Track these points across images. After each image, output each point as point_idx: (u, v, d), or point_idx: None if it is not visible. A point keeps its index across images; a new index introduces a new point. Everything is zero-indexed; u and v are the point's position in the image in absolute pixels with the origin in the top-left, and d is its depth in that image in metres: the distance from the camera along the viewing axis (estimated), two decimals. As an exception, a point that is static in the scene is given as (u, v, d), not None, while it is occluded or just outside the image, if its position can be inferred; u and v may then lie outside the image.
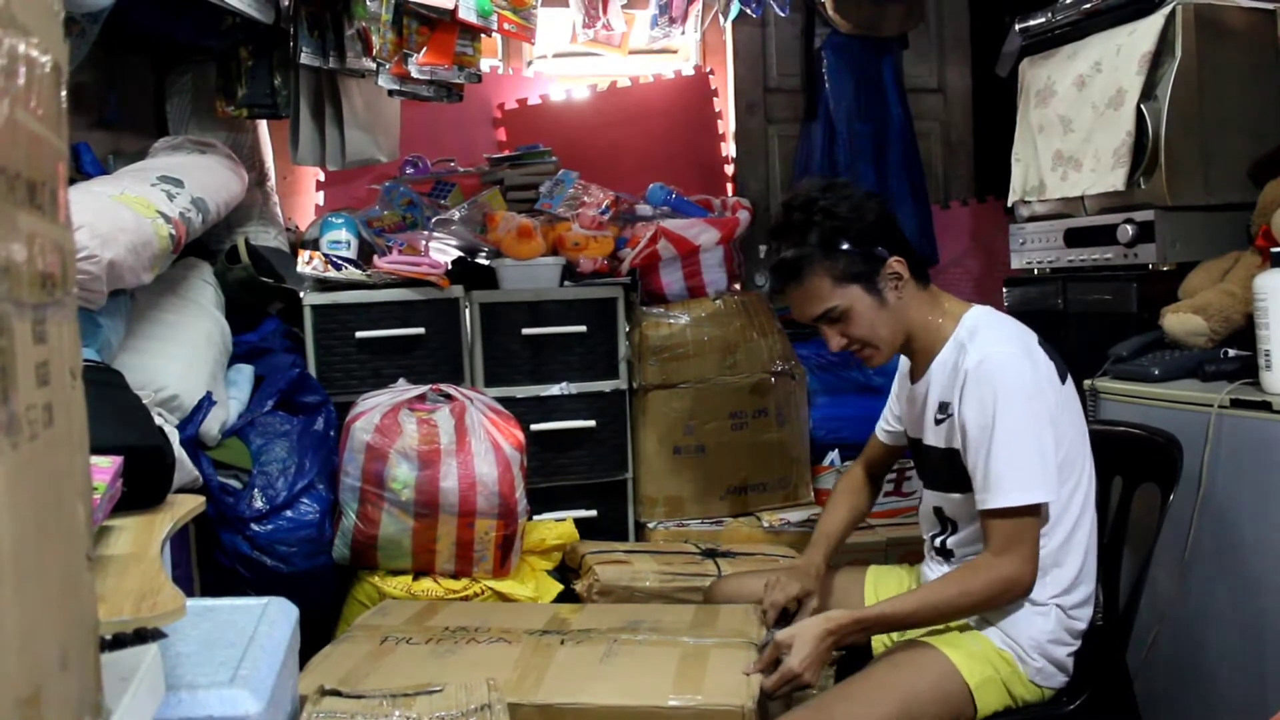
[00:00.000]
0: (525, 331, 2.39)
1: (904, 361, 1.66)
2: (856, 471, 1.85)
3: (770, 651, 1.41)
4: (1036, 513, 1.39)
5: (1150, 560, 1.60)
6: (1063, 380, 1.50)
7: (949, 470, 1.51)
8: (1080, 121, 2.31)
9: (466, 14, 2.16)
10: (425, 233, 2.56)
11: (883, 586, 1.71)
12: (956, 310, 1.54)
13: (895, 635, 1.60)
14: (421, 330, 2.32)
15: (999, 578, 1.39)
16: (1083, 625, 1.50)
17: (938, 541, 1.61)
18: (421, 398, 2.08)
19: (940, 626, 1.48)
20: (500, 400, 2.19)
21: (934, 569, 1.61)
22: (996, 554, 1.40)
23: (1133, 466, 1.70)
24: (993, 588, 1.39)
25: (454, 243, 2.56)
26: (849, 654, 1.75)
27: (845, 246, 1.48)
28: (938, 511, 1.59)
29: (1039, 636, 1.45)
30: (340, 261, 2.32)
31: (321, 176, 2.90)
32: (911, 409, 1.62)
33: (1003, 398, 1.39)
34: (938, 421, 1.51)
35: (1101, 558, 1.69)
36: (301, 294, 2.29)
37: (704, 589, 1.93)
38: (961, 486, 1.50)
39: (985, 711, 1.42)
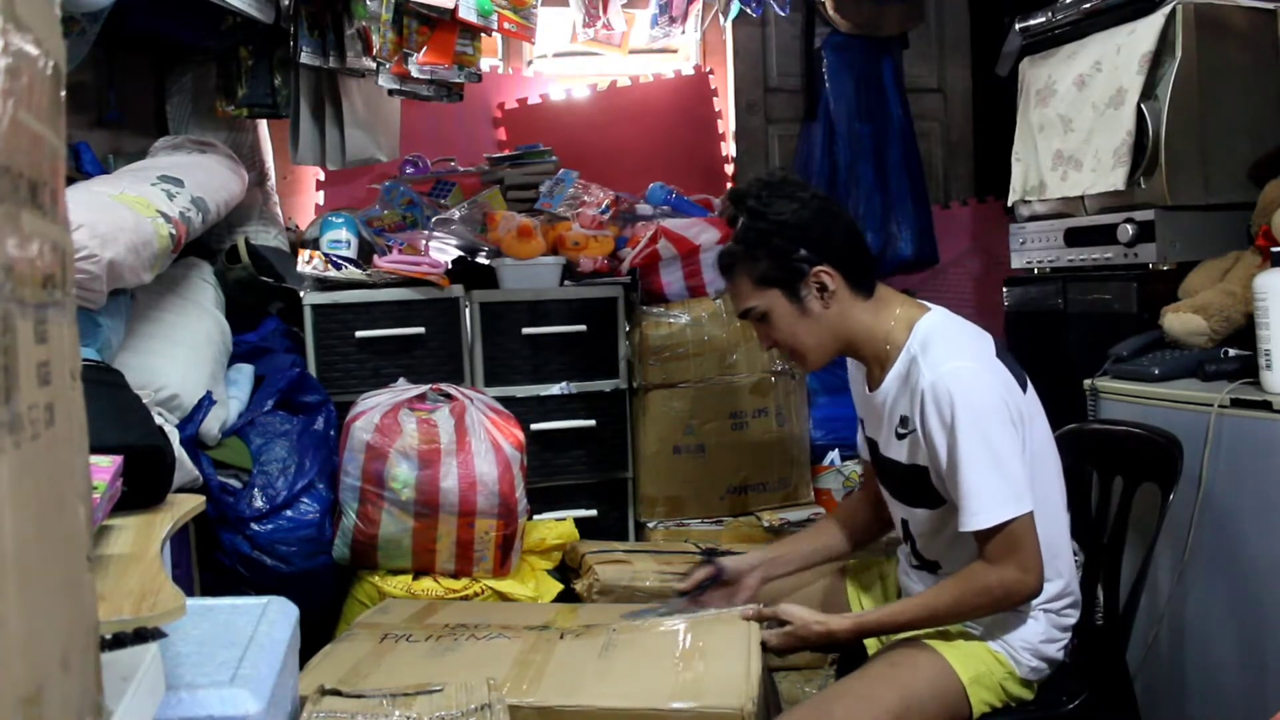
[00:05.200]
0: (525, 331, 2.39)
1: (853, 366, 1.61)
2: (850, 503, 1.80)
3: (769, 611, 1.49)
4: (1024, 521, 1.36)
5: (1150, 560, 1.60)
6: (1024, 389, 1.46)
7: (914, 486, 1.48)
8: (1080, 121, 2.31)
9: (466, 13, 2.16)
10: (425, 232, 2.56)
11: (863, 578, 1.72)
12: (909, 315, 1.48)
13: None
14: (421, 330, 2.32)
15: (997, 584, 1.37)
16: (1072, 619, 1.51)
17: (909, 551, 1.59)
18: (421, 397, 2.08)
19: (936, 630, 1.49)
20: (500, 400, 2.19)
21: (914, 577, 1.59)
22: (992, 563, 1.38)
23: (1133, 466, 1.70)
24: (991, 594, 1.38)
25: (454, 242, 2.56)
26: (846, 654, 1.76)
27: (767, 250, 1.46)
28: (903, 524, 1.57)
29: (1031, 639, 1.46)
30: (340, 261, 2.32)
31: (321, 176, 2.90)
32: (871, 416, 1.57)
33: (963, 418, 1.35)
34: (899, 436, 1.48)
35: (1101, 557, 1.70)
36: (301, 294, 2.29)
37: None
38: (927, 503, 1.48)
39: (979, 708, 1.43)
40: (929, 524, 1.50)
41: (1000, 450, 1.36)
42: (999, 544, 1.36)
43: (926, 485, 1.45)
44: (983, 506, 1.34)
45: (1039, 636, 1.45)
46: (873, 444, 1.58)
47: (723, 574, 1.65)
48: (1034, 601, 1.44)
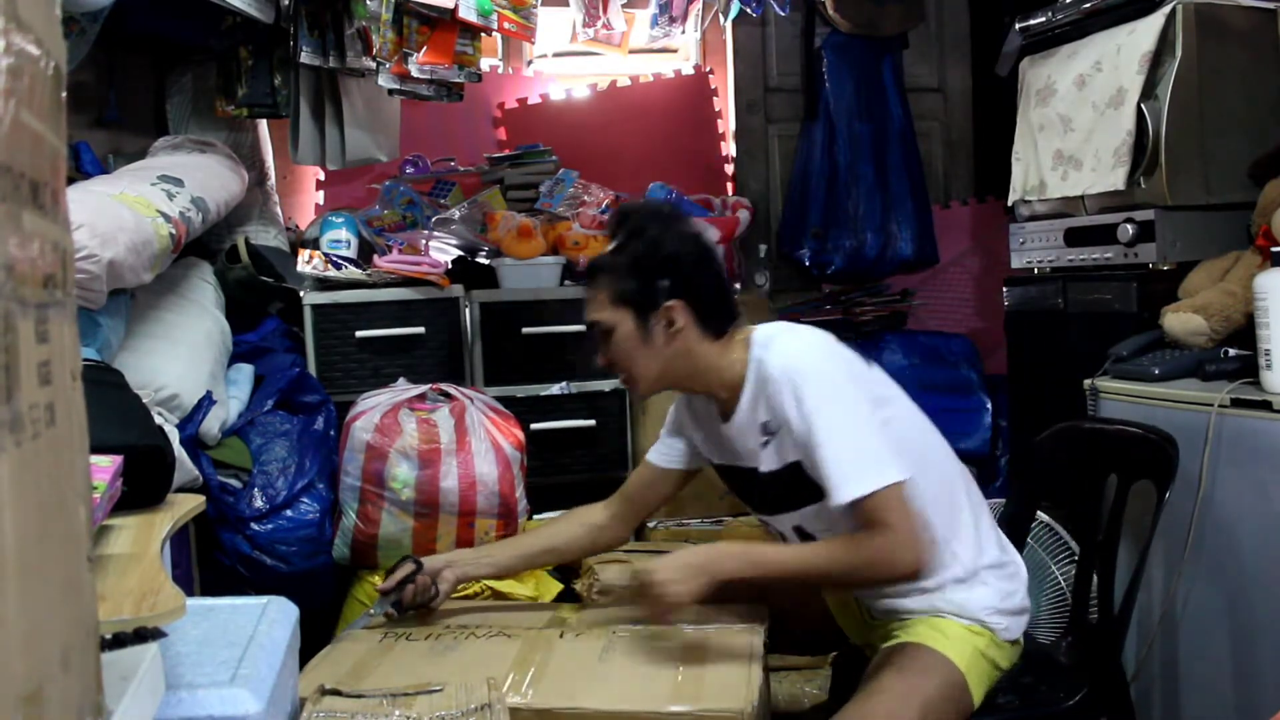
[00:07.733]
0: (525, 331, 2.39)
1: (691, 407, 1.63)
2: (596, 507, 1.77)
3: (632, 578, 1.45)
4: (889, 493, 1.35)
5: (1146, 558, 1.60)
6: (869, 365, 1.49)
7: (795, 486, 1.47)
8: (1080, 121, 2.31)
9: (466, 13, 2.16)
10: (425, 232, 2.56)
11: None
12: (747, 335, 1.51)
13: (888, 640, 1.56)
14: (421, 330, 2.32)
15: (874, 553, 1.35)
16: (1021, 569, 1.54)
17: None
18: (421, 397, 2.08)
19: (916, 625, 1.48)
20: (500, 400, 2.19)
21: None
22: (869, 531, 1.36)
23: (1126, 464, 1.70)
24: (873, 565, 1.36)
25: (454, 242, 2.56)
26: (842, 661, 1.74)
27: (632, 269, 1.48)
28: (798, 531, 1.55)
29: (991, 602, 1.47)
30: (340, 261, 2.32)
31: (321, 176, 2.90)
32: (732, 446, 1.55)
33: (816, 392, 1.37)
34: (764, 444, 1.48)
35: (1096, 556, 1.70)
36: (301, 293, 2.29)
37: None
38: (812, 496, 1.46)
39: (978, 695, 1.43)
40: (822, 517, 1.49)
41: (860, 420, 1.38)
42: (867, 516, 1.35)
43: (805, 479, 1.44)
44: (846, 478, 1.35)
45: (996, 597, 1.47)
46: (746, 475, 1.55)
47: (419, 570, 1.63)
48: (966, 568, 1.47)
